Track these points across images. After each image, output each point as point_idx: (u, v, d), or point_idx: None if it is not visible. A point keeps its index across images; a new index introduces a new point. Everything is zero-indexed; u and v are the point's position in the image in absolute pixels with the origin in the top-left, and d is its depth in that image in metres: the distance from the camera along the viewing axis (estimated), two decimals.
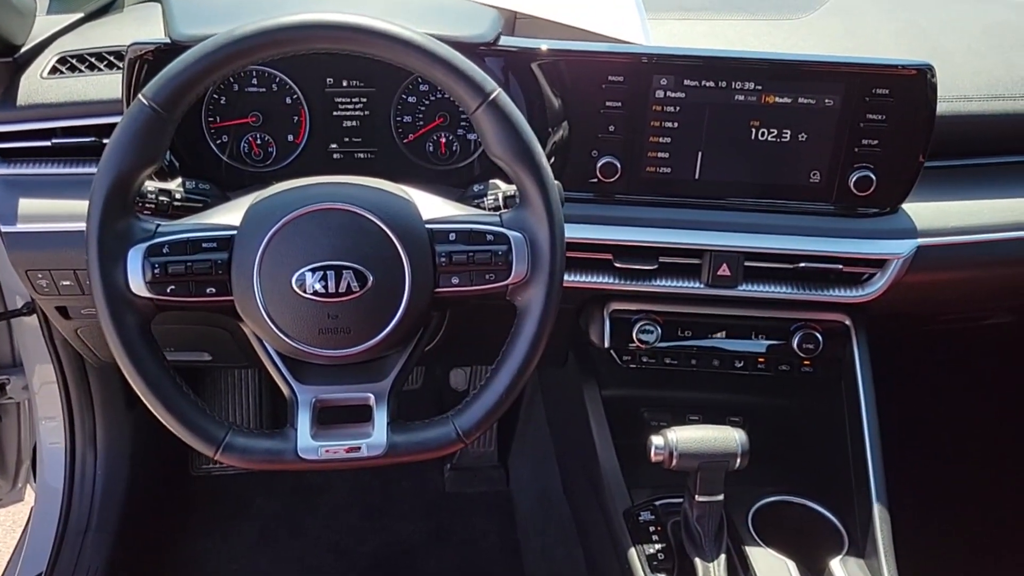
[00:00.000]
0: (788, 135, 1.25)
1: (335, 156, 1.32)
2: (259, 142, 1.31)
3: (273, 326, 0.96)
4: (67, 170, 1.28)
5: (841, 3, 1.58)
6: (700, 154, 1.27)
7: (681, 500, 1.25)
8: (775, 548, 1.27)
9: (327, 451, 0.99)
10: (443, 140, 1.33)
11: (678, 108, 1.24)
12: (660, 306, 1.35)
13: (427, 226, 0.99)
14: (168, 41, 1.18)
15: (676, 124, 1.25)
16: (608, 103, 1.24)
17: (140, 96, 0.92)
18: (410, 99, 1.31)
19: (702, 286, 1.30)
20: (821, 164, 1.27)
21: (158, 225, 0.97)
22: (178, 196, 1.12)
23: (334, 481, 2.27)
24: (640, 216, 1.29)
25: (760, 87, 1.23)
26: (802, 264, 1.29)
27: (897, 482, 1.33)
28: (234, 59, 0.93)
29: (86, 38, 1.39)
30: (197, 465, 2.26)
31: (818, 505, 1.35)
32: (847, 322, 1.37)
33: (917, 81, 1.23)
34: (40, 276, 1.29)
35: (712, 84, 1.23)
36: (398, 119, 1.31)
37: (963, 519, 2.06)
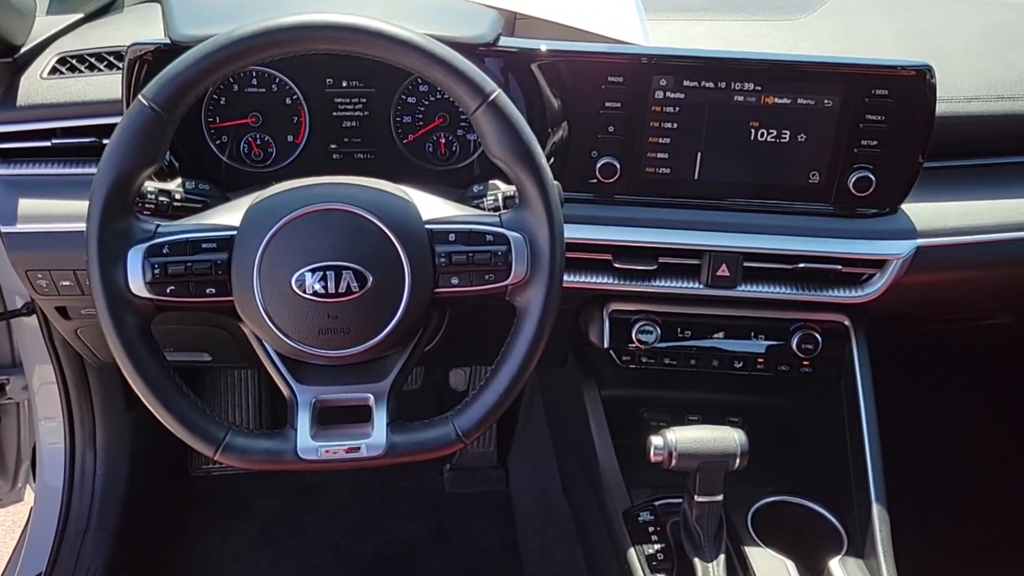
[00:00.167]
0: (787, 136, 1.25)
1: (335, 156, 1.32)
2: (259, 142, 1.31)
3: (273, 326, 0.96)
4: (67, 170, 1.28)
5: (840, 4, 1.58)
6: (699, 155, 1.27)
7: (680, 500, 1.25)
8: (774, 548, 1.27)
9: (327, 451, 0.99)
10: (443, 140, 1.33)
11: (677, 109, 1.24)
12: (659, 306, 1.35)
13: (427, 226, 0.99)
14: (168, 42, 1.18)
15: (675, 125, 1.25)
16: (608, 104, 1.24)
17: (140, 96, 0.92)
18: (410, 99, 1.31)
19: (701, 286, 1.30)
20: (820, 165, 1.27)
21: (158, 225, 0.97)
22: (178, 196, 1.12)
23: (334, 481, 2.27)
24: (639, 216, 1.29)
25: (759, 88, 1.23)
26: (801, 264, 1.29)
27: (896, 482, 1.33)
28: (234, 60, 0.93)
29: (86, 38, 1.39)
30: (197, 465, 2.26)
31: (817, 505, 1.36)
32: (846, 322, 1.37)
33: (916, 82, 1.23)
34: (40, 276, 1.29)
35: (711, 85, 1.23)
36: (398, 119, 1.32)
37: (962, 519, 2.06)
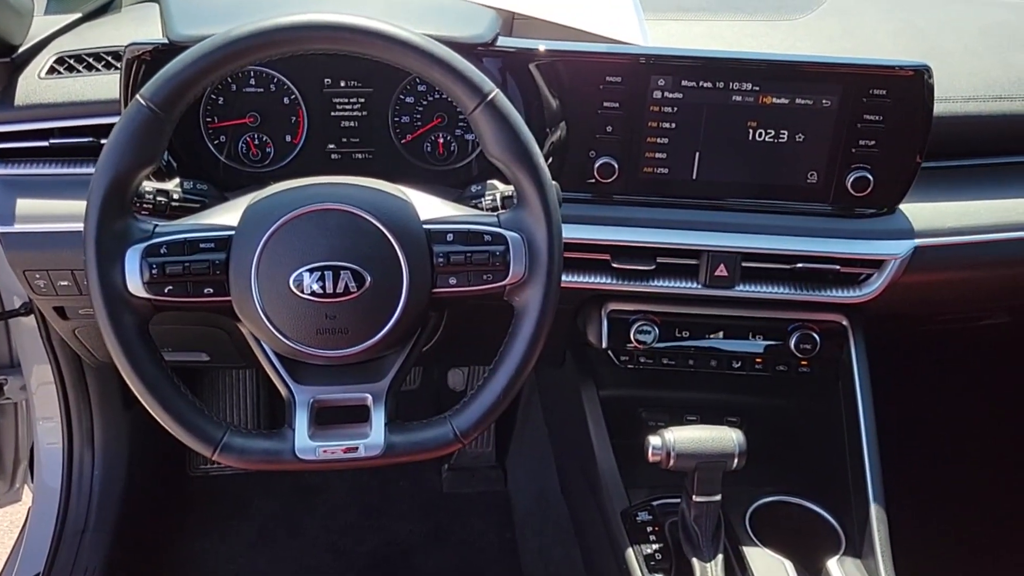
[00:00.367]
0: (785, 136, 1.25)
1: (333, 156, 1.32)
2: (257, 142, 1.31)
3: (271, 326, 0.96)
4: (65, 170, 1.28)
5: (839, 4, 1.58)
6: (698, 155, 1.27)
7: (679, 500, 1.25)
8: (772, 548, 1.27)
9: (325, 451, 0.99)
10: (441, 140, 1.33)
11: (676, 108, 1.24)
12: (658, 306, 1.35)
13: (425, 226, 0.99)
14: (166, 41, 1.18)
15: (674, 125, 1.25)
16: (606, 103, 1.24)
17: (138, 96, 0.92)
18: (408, 99, 1.31)
19: (699, 286, 1.30)
20: (818, 165, 1.27)
21: (156, 225, 0.97)
22: (176, 196, 1.12)
23: (332, 481, 2.27)
24: (638, 216, 1.29)
25: (758, 88, 1.23)
26: (799, 264, 1.29)
27: (894, 482, 1.33)
28: (232, 60, 0.93)
29: (84, 38, 1.39)
30: (195, 465, 2.26)
31: (815, 505, 1.36)
32: (844, 322, 1.37)
33: (914, 82, 1.23)
34: (38, 276, 1.29)
35: (710, 85, 1.23)
36: (396, 119, 1.32)
37: (960, 519, 2.06)
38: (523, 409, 2.16)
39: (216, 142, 1.30)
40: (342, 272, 0.95)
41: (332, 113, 1.30)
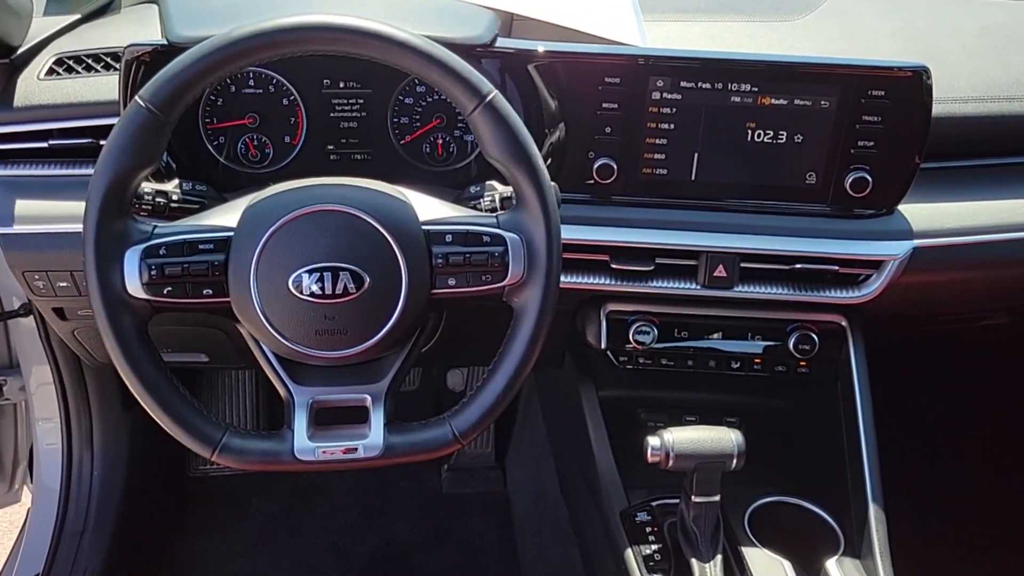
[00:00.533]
0: (784, 136, 1.25)
1: (332, 157, 1.32)
2: (256, 143, 1.31)
3: (270, 327, 0.96)
4: (64, 171, 1.28)
5: (837, 5, 1.58)
6: (696, 155, 1.27)
7: (677, 500, 1.25)
8: (771, 548, 1.28)
9: (324, 452, 0.99)
10: (440, 141, 1.33)
11: (674, 110, 1.24)
12: (656, 307, 1.35)
13: (424, 227, 0.99)
14: (165, 43, 1.18)
15: (672, 125, 1.25)
16: (604, 105, 1.24)
17: (137, 98, 0.92)
18: (407, 100, 1.31)
19: (698, 287, 1.30)
20: (817, 165, 1.27)
21: (155, 226, 0.97)
22: (175, 197, 1.12)
23: (332, 481, 2.27)
24: (636, 217, 1.29)
25: (756, 89, 1.23)
26: (798, 265, 1.29)
27: (893, 482, 1.33)
28: (231, 61, 0.93)
29: (83, 39, 1.39)
30: (194, 466, 2.26)
31: (814, 506, 1.36)
32: (843, 323, 1.37)
33: (913, 83, 1.23)
34: (37, 277, 1.29)
35: (708, 86, 1.23)
36: (395, 120, 1.32)
37: (959, 519, 2.07)
38: (522, 410, 2.16)
39: (215, 143, 1.30)
40: (341, 273, 0.95)
41: (331, 114, 1.30)
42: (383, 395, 1.02)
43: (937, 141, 1.27)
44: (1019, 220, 1.36)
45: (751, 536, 1.30)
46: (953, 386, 2.10)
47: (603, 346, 1.37)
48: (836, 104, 1.24)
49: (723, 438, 1.18)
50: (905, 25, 1.54)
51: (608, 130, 1.25)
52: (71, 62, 1.32)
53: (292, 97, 1.29)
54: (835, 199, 1.29)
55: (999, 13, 1.62)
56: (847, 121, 1.24)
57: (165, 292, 0.95)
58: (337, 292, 0.95)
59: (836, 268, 1.29)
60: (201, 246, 0.96)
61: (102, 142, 0.94)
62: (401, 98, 1.31)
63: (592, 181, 1.27)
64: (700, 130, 1.25)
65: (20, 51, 1.34)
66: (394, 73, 1.18)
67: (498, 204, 1.10)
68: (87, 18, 1.50)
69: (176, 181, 1.15)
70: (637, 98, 1.24)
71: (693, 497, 1.20)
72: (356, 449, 0.99)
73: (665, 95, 1.24)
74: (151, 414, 0.96)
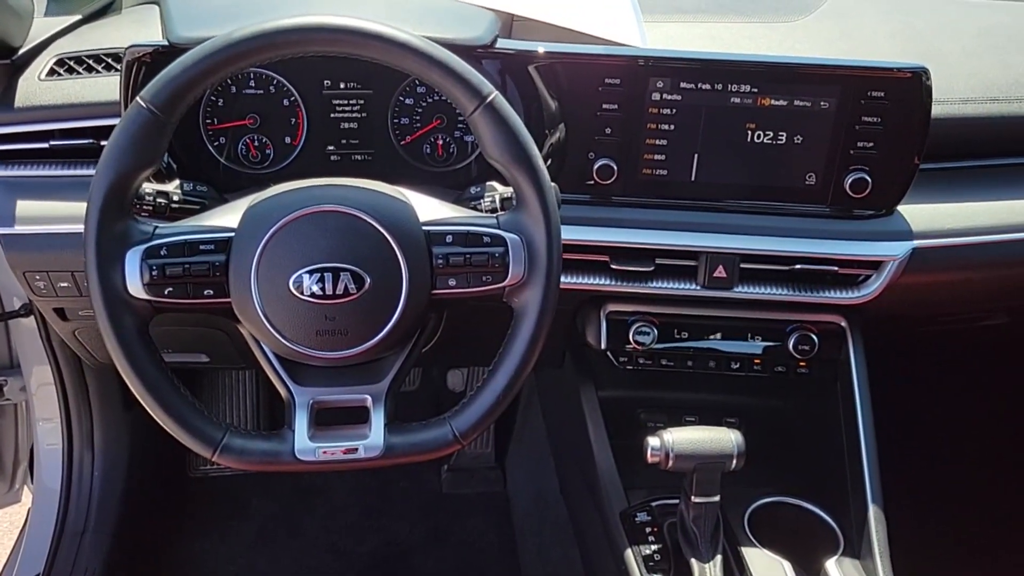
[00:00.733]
0: (784, 137, 1.26)
1: (332, 158, 1.32)
2: (257, 144, 1.31)
3: (271, 328, 0.96)
4: (65, 172, 1.28)
5: (837, 6, 1.58)
6: (696, 156, 1.27)
7: (677, 501, 1.25)
8: (771, 549, 1.28)
9: (324, 452, 0.99)
10: (440, 142, 1.33)
11: (674, 110, 1.25)
12: (656, 308, 1.35)
13: (424, 228, 0.99)
14: (166, 43, 1.18)
15: (672, 126, 1.25)
16: (604, 105, 1.24)
17: (138, 98, 0.92)
18: (407, 101, 1.31)
19: (698, 288, 1.30)
20: (817, 166, 1.27)
21: (156, 227, 0.97)
22: (176, 198, 1.12)
23: (332, 482, 2.27)
24: (636, 218, 1.29)
25: (756, 89, 1.23)
26: (798, 266, 1.29)
27: (893, 483, 1.33)
28: (232, 62, 0.93)
29: (84, 40, 1.39)
30: (195, 466, 2.26)
31: (814, 506, 1.36)
32: (843, 323, 1.37)
33: (912, 83, 1.23)
34: (38, 278, 1.29)
35: (708, 87, 1.23)
36: (395, 121, 1.32)
37: (959, 519, 2.07)
38: (522, 410, 2.17)
39: (216, 144, 1.30)
40: (342, 274, 0.95)
41: (332, 115, 1.30)
42: (383, 395, 1.02)
43: (936, 142, 1.27)
44: (1018, 220, 1.36)
45: (751, 536, 1.30)
46: (953, 386, 2.11)
47: (603, 346, 1.37)
48: (836, 105, 1.24)
49: (723, 439, 1.18)
50: (905, 26, 1.54)
51: (608, 131, 1.25)
52: (72, 63, 1.32)
53: (293, 98, 1.29)
54: (835, 200, 1.29)
55: (998, 14, 1.62)
56: (847, 122, 1.25)
57: (166, 292, 0.95)
58: (338, 293, 0.95)
59: (835, 269, 1.29)
60: (202, 247, 0.96)
61: (103, 143, 0.94)
62: (401, 99, 1.31)
63: (592, 182, 1.27)
64: (700, 131, 1.26)
65: (21, 52, 1.34)
66: (394, 74, 1.18)
67: (498, 205, 1.10)
68: (88, 19, 1.50)
69: (177, 182, 1.15)
70: (637, 99, 1.24)
71: (693, 497, 1.20)
72: (356, 449, 0.99)
73: (665, 96, 1.24)
74: (152, 414, 0.97)
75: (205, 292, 0.97)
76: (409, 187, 1.05)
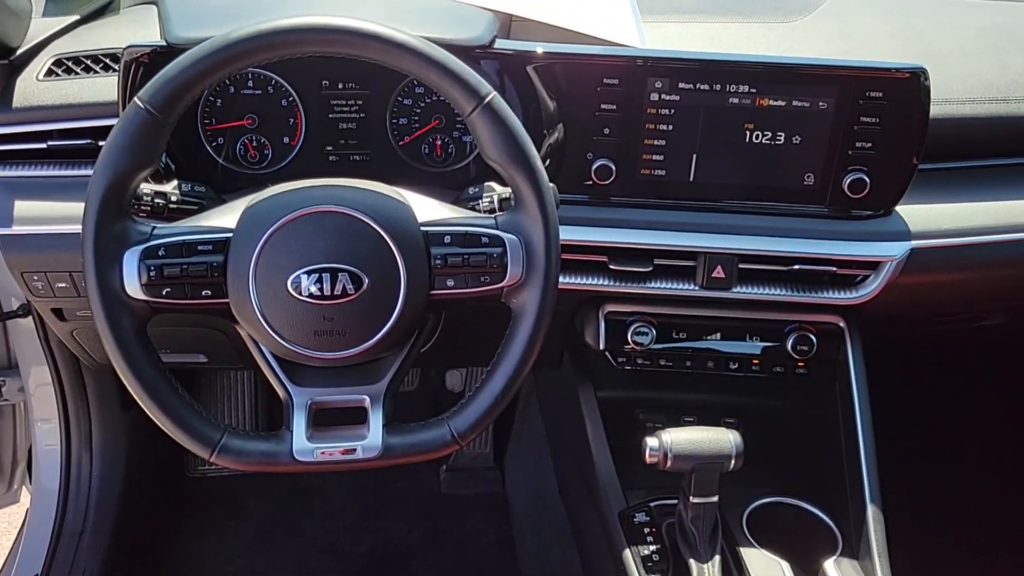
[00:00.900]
0: (782, 138, 1.26)
1: (331, 158, 1.32)
2: (255, 144, 1.31)
3: (269, 328, 0.96)
4: (63, 172, 1.28)
5: (836, 6, 1.58)
6: (695, 156, 1.27)
7: (676, 501, 1.25)
8: (769, 549, 1.28)
9: (322, 453, 0.99)
10: (438, 142, 1.33)
11: (673, 111, 1.25)
12: (655, 308, 1.35)
13: (422, 228, 0.99)
14: (164, 44, 1.18)
15: (671, 127, 1.25)
16: (603, 106, 1.24)
17: (136, 99, 0.92)
18: (405, 101, 1.31)
19: (697, 288, 1.30)
20: (815, 166, 1.27)
21: (154, 227, 0.97)
22: (174, 198, 1.12)
23: (330, 482, 2.27)
24: (635, 218, 1.29)
25: (754, 90, 1.23)
26: (796, 266, 1.29)
27: (891, 483, 1.34)
28: (230, 62, 0.93)
29: (82, 40, 1.39)
30: (193, 466, 2.26)
31: (812, 506, 1.36)
32: (841, 324, 1.37)
33: (911, 84, 1.24)
34: (36, 278, 1.29)
35: (707, 87, 1.23)
36: (394, 121, 1.32)
37: (957, 520, 2.07)
38: (521, 410, 2.17)
39: (214, 144, 1.30)
40: (340, 274, 0.95)
41: (330, 115, 1.30)
42: (382, 396, 1.02)
43: (935, 142, 1.27)
44: (1016, 221, 1.36)
45: (749, 537, 1.30)
46: (951, 386, 2.11)
47: (602, 347, 1.37)
48: (834, 105, 1.24)
49: (721, 439, 1.18)
50: (903, 26, 1.54)
51: (607, 131, 1.25)
52: (70, 63, 1.32)
53: (291, 98, 1.29)
54: (833, 200, 1.29)
55: (997, 14, 1.63)
56: (845, 122, 1.25)
57: (164, 293, 0.95)
58: (336, 293, 0.95)
59: (834, 269, 1.29)
60: (200, 247, 0.96)
61: (101, 143, 0.94)
62: (400, 99, 1.31)
63: (591, 182, 1.27)
64: (698, 131, 1.25)
65: (19, 52, 1.34)
66: (393, 74, 1.18)
67: (497, 205, 1.10)
68: (86, 19, 1.50)
69: (175, 182, 1.15)
70: (635, 99, 1.24)
71: (691, 498, 1.20)
72: (355, 450, 0.99)
73: (663, 96, 1.24)
74: (150, 415, 0.97)
75: (203, 293, 0.96)
76: (407, 187, 1.05)
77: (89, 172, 0.94)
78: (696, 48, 1.33)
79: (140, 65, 1.18)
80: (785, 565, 1.25)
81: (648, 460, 1.19)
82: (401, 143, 1.33)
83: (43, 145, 1.28)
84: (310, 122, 1.30)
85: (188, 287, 0.96)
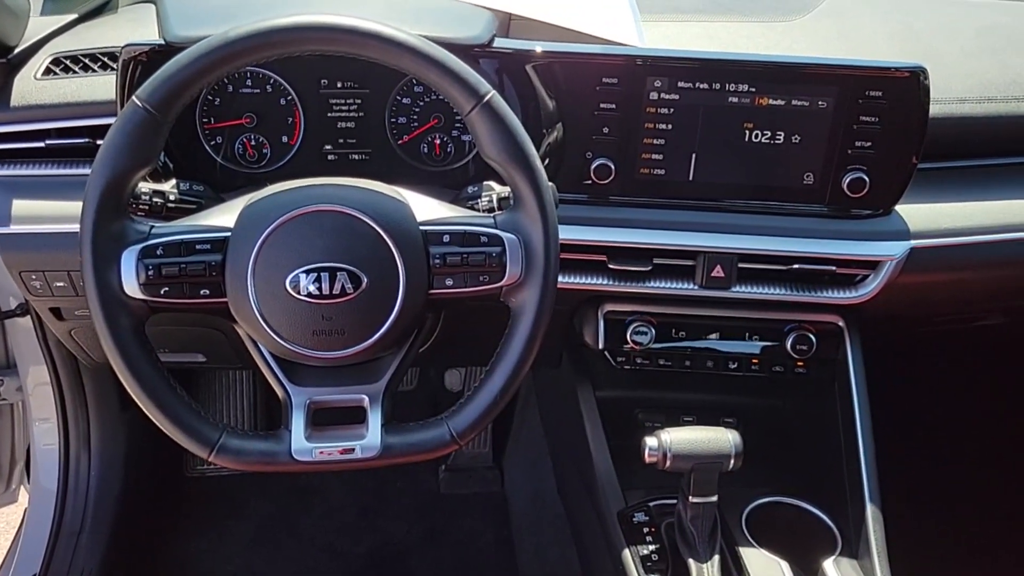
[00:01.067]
0: (782, 137, 1.25)
1: (329, 157, 1.32)
2: (253, 143, 1.31)
3: (267, 328, 0.96)
4: (61, 171, 1.28)
5: (835, 5, 1.58)
6: (694, 156, 1.27)
7: (675, 501, 1.25)
8: (768, 549, 1.28)
9: (321, 453, 0.99)
10: (437, 141, 1.33)
11: (672, 110, 1.24)
12: (654, 307, 1.35)
13: (421, 228, 0.99)
14: (162, 42, 1.18)
15: (670, 126, 1.25)
16: (602, 105, 1.24)
17: (134, 98, 0.92)
18: (404, 100, 1.31)
19: (696, 287, 1.30)
20: (815, 166, 1.27)
21: (152, 227, 0.97)
22: (172, 197, 1.12)
23: (329, 482, 2.27)
24: (634, 218, 1.29)
25: (754, 89, 1.23)
26: (796, 266, 1.29)
27: (891, 483, 1.33)
28: (229, 61, 0.93)
29: (80, 39, 1.39)
30: (191, 466, 2.26)
31: (811, 506, 1.36)
32: (840, 323, 1.37)
33: (910, 83, 1.23)
34: (34, 277, 1.29)
35: (706, 86, 1.23)
36: (392, 120, 1.32)
37: (957, 519, 2.07)
38: (520, 410, 2.16)
39: (212, 143, 1.30)
40: (338, 273, 0.95)
41: (329, 114, 1.30)
42: (380, 395, 1.02)
43: (934, 142, 1.27)
44: (1016, 220, 1.36)
45: (748, 536, 1.30)
46: (951, 386, 2.11)
47: (601, 346, 1.37)
48: (833, 105, 1.24)
49: (720, 438, 1.18)
50: (903, 26, 1.54)
51: (606, 130, 1.25)
52: (68, 62, 1.32)
53: (290, 97, 1.29)
54: (832, 199, 1.29)
55: (997, 14, 1.63)
56: (844, 121, 1.24)
57: (162, 292, 0.95)
58: (334, 292, 0.95)
59: (833, 268, 1.29)
60: (198, 246, 0.96)
61: (99, 142, 0.94)
62: (399, 98, 1.31)
63: (590, 181, 1.27)
64: (698, 130, 1.25)
65: (17, 51, 1.34)
66: (392, 73, 1.18)
67: (496, 204, 1.10)
68: (84, 18, 1.50)
69: (173, 181, 1.15)
70: (635, 98, 1.24)
71: (690, 497, 1.20)
72: (353, 450, 0.99)
73: (663, 95, 1.24)
74: (148, 415, 0.96)
75: (201, 292, 0.96)
76: (406, 187, 1.04)
77: (87, 171, 0.94)
78: (695, 47, 1.33)
79: (138, 64, 1.18)
80: (784, 565, 1.25)
81: (647, 460, 1.19)
82: (400, 142, 1.33)
83: (41, 144, 1.27)
84: (309, 121, 1.30)
85: (186, 286, 0.96)
